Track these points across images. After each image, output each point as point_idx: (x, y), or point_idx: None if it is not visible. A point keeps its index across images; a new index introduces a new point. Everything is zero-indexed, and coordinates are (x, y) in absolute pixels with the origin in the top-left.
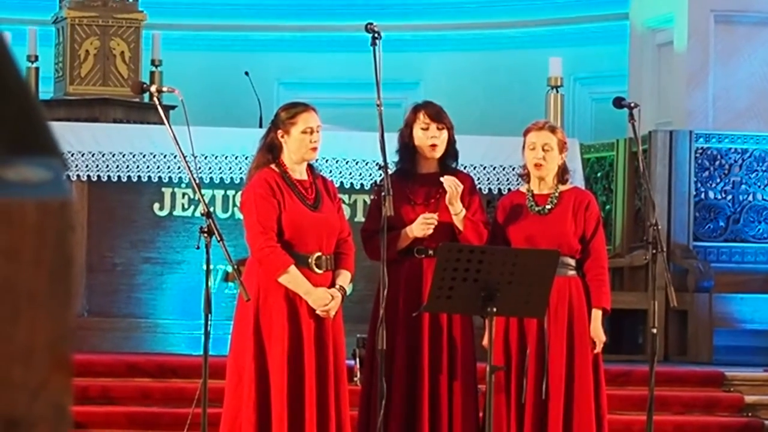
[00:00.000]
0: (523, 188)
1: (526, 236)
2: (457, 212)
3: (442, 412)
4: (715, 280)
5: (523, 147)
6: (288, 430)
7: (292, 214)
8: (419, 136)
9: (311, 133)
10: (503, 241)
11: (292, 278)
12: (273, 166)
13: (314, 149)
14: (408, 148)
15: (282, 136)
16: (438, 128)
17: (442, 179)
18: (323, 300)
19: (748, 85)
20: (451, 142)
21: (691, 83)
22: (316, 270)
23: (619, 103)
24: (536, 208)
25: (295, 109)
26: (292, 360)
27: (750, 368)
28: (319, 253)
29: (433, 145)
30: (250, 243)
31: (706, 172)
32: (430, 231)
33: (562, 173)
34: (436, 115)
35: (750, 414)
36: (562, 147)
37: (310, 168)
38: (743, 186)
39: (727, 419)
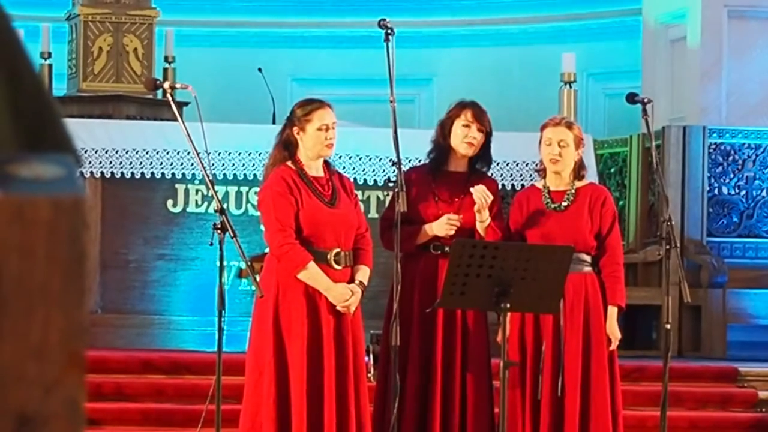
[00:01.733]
0: (539, 184)
1: (541, 233)
2: (483, 220)
3: (455, 408)
4: (728, 275)
5: (540, 142)
6: (308, 426)
7: (309, 211)
8: (457, 133)
9: (327, 130)
10: (519, 237)
11: (312, 275)
12: (289, 163)
13: (330, 146)
14: (443, 141)
15: (298, 133)
16: (478, 129)
17: (472, 189)
18: (344, 296)
19: (761, 80)
20: (486, 147)
21: (705, 78)
22: (335, 266)
23: (632, 98)
24: (552, 205)
25: (311, 105)
26: (312, 356)
27: (764, 364)
28: (337, 249)
29: (470, 143)
30: (269, 241)
31: (720, 168)
32: (452, 232)
33: (579, 169)
34: (480, 116)
35: (764, 409)
36: (579, 143)
37: (326, 164)
38: (756, 181)
39: (741, 415)
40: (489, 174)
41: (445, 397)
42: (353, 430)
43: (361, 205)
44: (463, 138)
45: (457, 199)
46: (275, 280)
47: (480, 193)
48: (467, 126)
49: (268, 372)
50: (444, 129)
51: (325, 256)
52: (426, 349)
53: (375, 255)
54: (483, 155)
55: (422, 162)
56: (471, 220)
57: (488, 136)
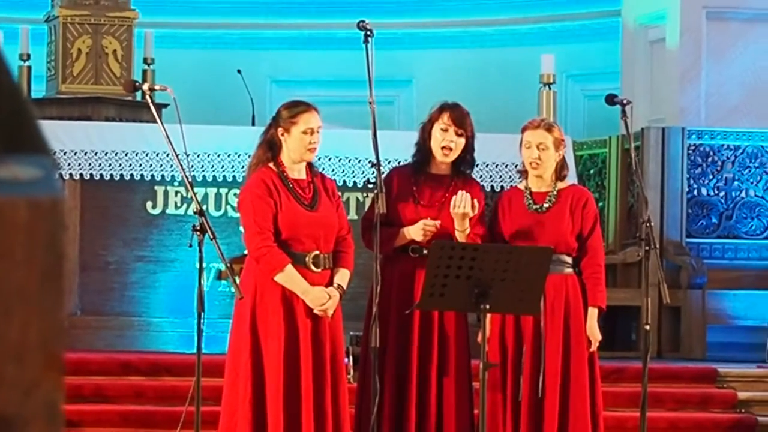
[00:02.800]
0: (521, 185)
1: (523, 234)
2: (462, 230)
3: (430, 410)
4: (708, 276)
5: (520, 144)
6: (284, 428)
7: (288, 213)
8: (436, 137)
9: (311, 133)
10: (501, 238)
11: (289, 277)
12: (271, 164)
13: (312, 150)
14: (425, 143)
15: (282, 134)
16: (457, 133)
17: (454, 198)
18: (320, 299)
19: (740, 81)
20: (468, 150)
21: (684, 80)
22: (314, 268)
23: (611, 100)
24: (534, 207)
25: (297, 108)
26: (289, 358)
27: (743, 364)
28: (316, 252)
29: (447, 149)
30: (247, 243)
31: (699, 169)
32: (428, 237)
33: (561, 169)
34: (459, 119)
35: (743, 410)
36: (559, 144)
37: (310, 166)
38: (736, 182)
39: (720, 416)
40: (477, 182)
41: (420, 399)
42: (330, 431)
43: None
44: (441, 142)
45: (437, 203)
46: (253, 282)
47: (460, 203)
48: (445, 130)
49: (244, 374)
50: (424, 132)
51: (303, 259)
52: (403, 351)
53: (354, 257)
54: (465, 158)
55: (405, 162)
56: (450, 224)
57: (470, 139)
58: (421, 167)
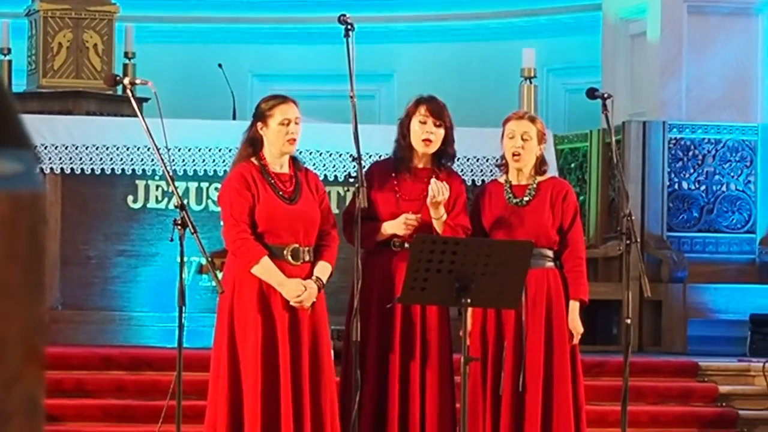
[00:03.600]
0: (501, 179)
1: (503, 227)
2: (438, 217)
3: (414, 404)
4: (689, 270)
5: (502, 136)
6: (262, 422)
7: (265, 206)
8: (415, 129)
9: (288, 124)
10: (481, 232)
11: (265, 269)
12: (253, 159)
13: (292, 141)
14: (405, 139)
15: (261, 128)
16: (435, 124)
17: (432, 183)
18: (296, 291)
19: (721, 75)
20: (448, 141)
21: (665, 74)
22: (292, 261)
23: (592, 93)
24: (514, 200)
25: (274, 101)
26: (267, 352)
27: (724, 358)
28: (295, 245)
29: (427, 140)
30: (225, 236)
31: (680, 163)
32: (409, 232)
33: (540, 164)
34: (436, 111)
35: (724, 404)
36: (541, 138)
37: (294, 161)
38: (717, 176)
39: (701, 409)
40: (458, 174)
41: (403, 393)
42: (310, 425)
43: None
44: (421, 134)
45: (418, 196)
46: (232, 276)
47: (436, 187)
48: (423, 122)
49: (222, 368)
50: (403, 127)
51: (281, 252)
52: (385, 345)
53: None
54: (446, 150)
55: (386, 157)
56: (431, 218)
57: (449, 130)
58: (402, 162)
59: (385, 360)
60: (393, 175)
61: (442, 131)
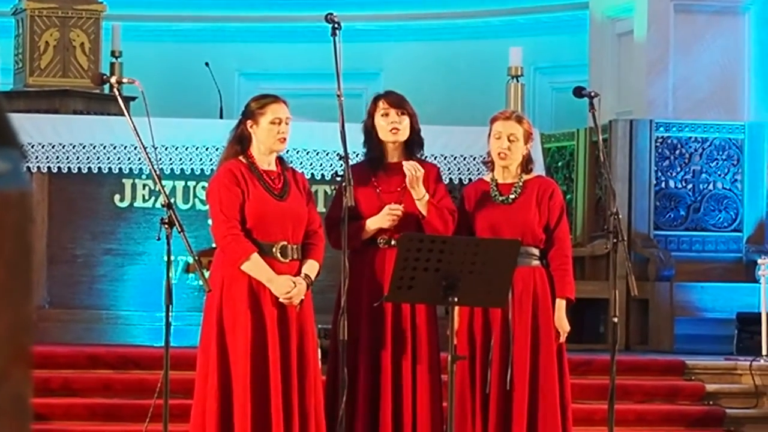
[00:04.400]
0: (487, 177)
1: (490, 225)
2: (420, 197)
3: (406, 402)
4: (675, 269)
5: (489, 135)
6: (252, 419)
7: (255, 202)
8: (380, 124)
9: (279, 123)
10: (467, 230)
11: (254, 266)
12: (241, 157)
13: (282, 140)
14: (372, 138)
15: (251, 127)
16: (398, 114)
17: (404, 163)
18: (285, 287)
19: (707, 74)
20: (414, 131)
21: (651, 72)
22: (281, 258)
23: (579, 92)
24: (500, 198)
25: (265, 99)
26: (256, 349)
27: (711, 357)
28: (284, 243)
29: (395, 129)
30: (214, 232)
31: (667, 161)
32: (396, 222)
33: (526, 163)
34: (396, 101)
35: (711, 402)
36: (528, 137)
37: (280, 160)
38: (703, 175)
39: (688, 408)
40: (432, 162)
41: (396, 391)
42: (297, 422)
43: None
44: (387, 127)
45: (398, 190)
46: (221, 273)
47: (410, 166)
48: (386, 114)
49: (211, 366)
50: (368, 127)
51: (270, 249)
52: (376, 343)
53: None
54: (414, 139)
55: (360, 160)
56: (414, 206)
57: (413, 117)
58: (376, 160)
59: (377, 358)
60: (370, 173)
61: (406, 119)
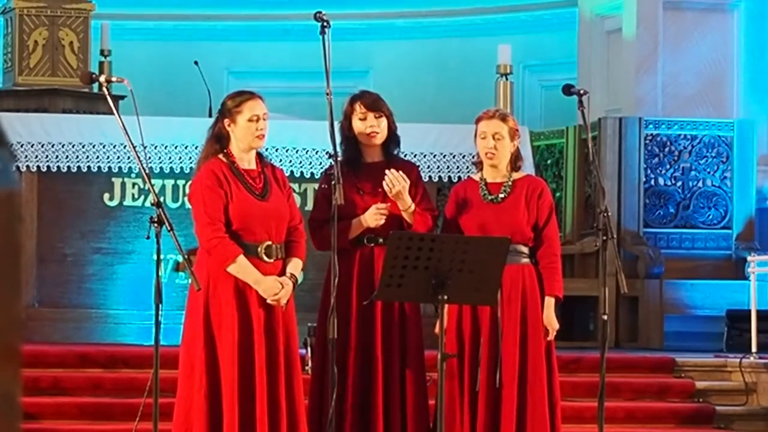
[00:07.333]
0: (476, 176)
1: (479, 224)
2: (406, 208)
3: (395, 401)
4: (665, 266)
5: (475, 135)
6: (239, 419)
7: (239, 204)
8: (358, 127)
9: (257, 120)
10: (456, 229)
11: (241, 268)
12: (221, 156)
13: (261, 137)
14: (350, 139)
15: (229, 125)
16: (376, 117)
17: (386, 172)
18: (273, 289)
19: (697, 71)
20: (391, 129)
21: (640, 70)
22: (266, 259)
23: (568, 90)
24: (489, 197)
25: (241, 97)
26: (243, 350)
27: (700, 354)
28: (268, 242)
29: (372, 134)
30: (199, 234)
31: (656, 159)
32: (383, 221)
33: (515, 160)
34: (373, 104)
35: (701, 399)
36: (514, 135)
37: (259, 157)
38: (693, 172)
39: (678, 405)
40: (416, 164)
41: (385, 390)
42: (284, 423)
43: (298, 198)
44: (365, 131)
45: (380, 189)
46: (206, 273)
47: (391, 178)
48: (363, 119)
49: (198, 366)
50: (345, 129)
51: (255, 249)
52: (365, 342)
53: (310, 247)
54: (391, 138)
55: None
56: (397, 207)
57: (389, 118)
58: (355, 160)
59: (366, 357)
60: (351, 173)
61: (384, 120)
